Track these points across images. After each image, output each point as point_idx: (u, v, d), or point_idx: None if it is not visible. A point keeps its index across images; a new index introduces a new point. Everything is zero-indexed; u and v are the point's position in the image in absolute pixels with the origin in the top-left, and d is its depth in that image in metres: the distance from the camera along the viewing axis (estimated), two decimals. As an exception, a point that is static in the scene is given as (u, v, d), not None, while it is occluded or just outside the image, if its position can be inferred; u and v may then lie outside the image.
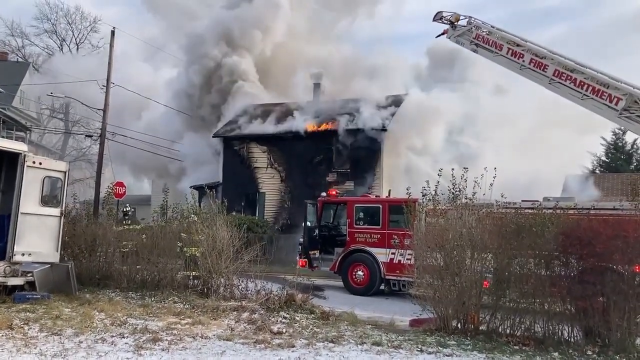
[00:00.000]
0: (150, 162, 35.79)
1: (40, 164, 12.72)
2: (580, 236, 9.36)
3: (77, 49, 54.21)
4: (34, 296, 11.69)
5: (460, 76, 31.86)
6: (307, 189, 25.97)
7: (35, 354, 7.81)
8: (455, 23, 22.35)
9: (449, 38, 22.82)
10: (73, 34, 54.46)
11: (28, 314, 10.34)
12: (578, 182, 27.30)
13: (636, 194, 10.45)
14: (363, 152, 28.43)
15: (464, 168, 11.13)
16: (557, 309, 9.60)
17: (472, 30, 21.67)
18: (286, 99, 35.03)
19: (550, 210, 10.59)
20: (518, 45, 19.90)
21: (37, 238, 12.45)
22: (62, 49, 54.09)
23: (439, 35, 23.56)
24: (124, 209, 20.44)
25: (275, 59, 37.51)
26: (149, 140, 33.18)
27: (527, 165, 26.52)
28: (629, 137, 37.38)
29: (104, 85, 28.20)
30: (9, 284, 11.91)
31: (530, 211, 10.92)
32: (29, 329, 9.21)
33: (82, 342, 8.54)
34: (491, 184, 10.81)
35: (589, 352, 8.83)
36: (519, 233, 9.96)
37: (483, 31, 21.29)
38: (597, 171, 37.79)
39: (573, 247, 9.44)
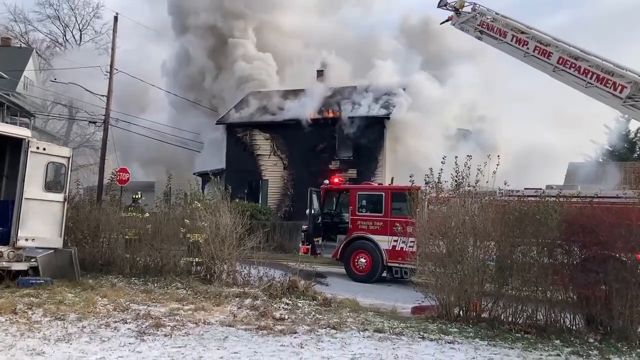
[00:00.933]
0: (154, 151, 35.72)
1: (44, 149, 12.72)
2: (583, 224, 9.34)
3: (80, 35, 54.16)
4: (38, 281, 11.72)
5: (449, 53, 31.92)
6: (310, 176, 25.89)
7: (39, 338, 7.85)
8: (460, 10, 22.23)
9: (454, 25, 22.73)
10: (76, 20, 54.29)
11: (32, 298, 10.38)
12: (582, 169, 27.23)
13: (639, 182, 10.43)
14: (366, 140, 28.38)
15: (468, 156, 11.10)
16: (560, 297, 9.61)
17: (476, 17, 21.57)
18: (288, 85, 34.91)
19: (554, 198, 10.55)
20: (522, 32, 19.79)
21: (41, 223, 12.48)
22: (65, 35, 54.01)
23: (443, 22, 23.50)
24: (134, 196, 20.43)
25: (274, 43, 37.37)
26: (151, 127, 33.17)
27: (530, 152, 26.43)
28: (633, 125, 37.22)
29: (107, 72, 28.17)
30: (12, 268, 11.93)
31: (533, 199, 10.88)
32: (32, 314, 9.26)
33: (85, 327, 8.58)
34: (494, 172, 10.80)
35: (591, 340, 8.84)
36: (522, 221, 9.93)
37: (487, 18, 21.20)
38: (601, 159, 37.61)
39: (576, 235, 9.44)
